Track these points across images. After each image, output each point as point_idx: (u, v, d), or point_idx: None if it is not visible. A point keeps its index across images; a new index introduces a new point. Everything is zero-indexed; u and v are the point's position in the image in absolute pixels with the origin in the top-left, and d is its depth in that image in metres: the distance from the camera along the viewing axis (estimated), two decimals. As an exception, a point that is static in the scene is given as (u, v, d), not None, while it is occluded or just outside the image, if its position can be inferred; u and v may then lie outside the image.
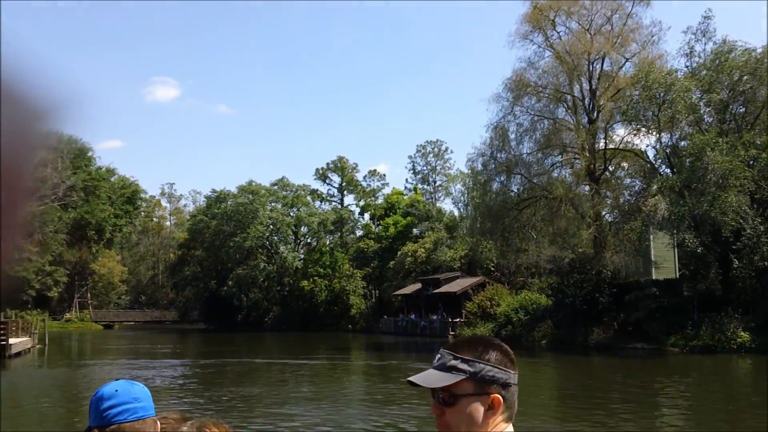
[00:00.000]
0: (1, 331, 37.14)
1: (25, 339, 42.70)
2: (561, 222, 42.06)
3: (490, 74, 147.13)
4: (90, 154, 76.65)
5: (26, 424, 17.79)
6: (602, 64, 42.69)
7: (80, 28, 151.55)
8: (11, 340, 38.43)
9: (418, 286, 58.64)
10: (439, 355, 1.82)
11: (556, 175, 43.72)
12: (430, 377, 1.79)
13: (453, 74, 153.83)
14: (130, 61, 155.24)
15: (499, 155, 44.61)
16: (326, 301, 68.33)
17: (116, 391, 2.09)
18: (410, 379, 1.82)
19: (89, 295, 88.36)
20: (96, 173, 76.30)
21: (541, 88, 43.49)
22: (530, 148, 43.86)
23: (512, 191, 44.81)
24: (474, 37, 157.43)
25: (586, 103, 43.05)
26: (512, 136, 44.49)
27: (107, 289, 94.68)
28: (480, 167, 46.37)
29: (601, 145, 42.49)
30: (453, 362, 1.78)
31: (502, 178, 44.75)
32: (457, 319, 51.34)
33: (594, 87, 42.73)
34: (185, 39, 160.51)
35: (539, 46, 44.33)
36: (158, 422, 2.22)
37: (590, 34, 42.55)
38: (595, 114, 42.46)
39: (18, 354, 39.11)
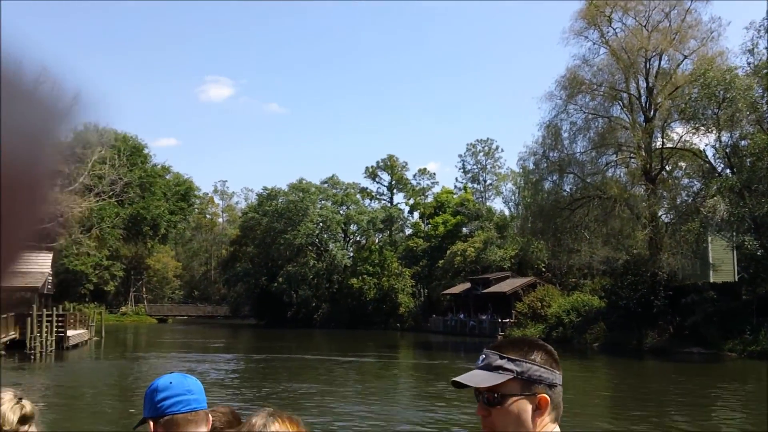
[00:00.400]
0: (60, 324, 38.29)
1: (82, 331, 43.96)
2: (615, 222, 41.26)
3: (542, 72, 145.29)
4: (146, 151, 78.22)
5: (83, 414, 18.24)
6: (660, 62, 41.74)
7: (136, 28, 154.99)
8: (69, 332, 39.61)
9: (468, 285, 58.30)
10: (483, 356, 1.82)
11: (610, 174, 42.89)
12: (476, 377, 1.78)
13: (503, 72, 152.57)
14: (185, 61, 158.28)
15: (551, 154, 44.06)
16: (375, 299, 68.48)
17: (170, 383, 2.14)
18: (456, 379, 1.81)
19: (144, 289, 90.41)
20: (151, 170, 77.81)
21: (595, 86, 42.77)
22: (584, 147, 43.17)
23: (565, 191, 44.17)
24: (525, 35, 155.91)
25: (643, 101, 42.12)
26: (565, 135, 43.91)
27: (161, 283, 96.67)
28: (531, 166, 45.91)
29: (658, 144, 41.48)
30: (499, 362, 1.77)
31: (555, 178, 44.19)
32: (507, 320, 50.90)
33: (651, 85, 41.76)
34: (238, 38, 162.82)
35: (594, 43, 43.63)
36: (210, 415, 2.23)
37: (647, 30, 41.61)
38: (651, 112, 41.51)
39: (75, 345, 40.25)
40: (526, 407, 1.74)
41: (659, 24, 41.79)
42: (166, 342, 49.04)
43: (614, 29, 43.38)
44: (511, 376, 1.75)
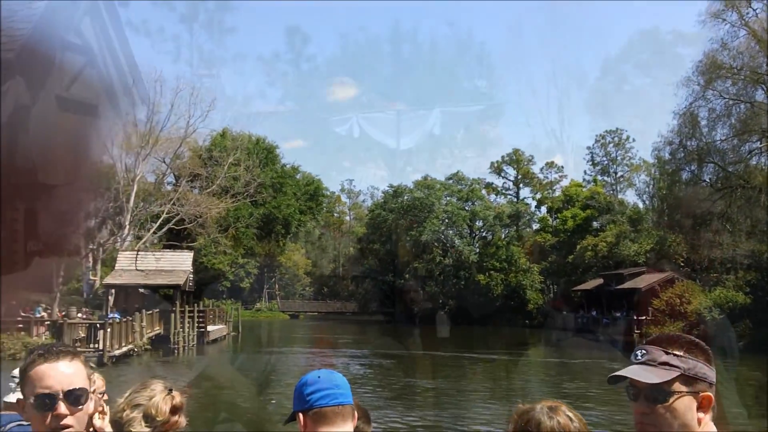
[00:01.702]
0: (201, 319, 40.39)
1: (221, 326, 46.16)
2: (761, 213, 38.91)
3: (674, 58, 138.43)
4: (276, 152, 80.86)
5: (224, 405, 19.12)
6: (805, 42, 38.87)
7: (265, 32, 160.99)
8: (209, 327, 41.71)
9: (600, 281, 56.53)
10: (643, 351, 1.75)
11: (754, 162, 40.73)
12: (643, 373, 1.71)
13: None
14: (312, 64, 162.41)
15: (688, 143, 42.30)
16: (502, 295, 67.78)
17: (319, 377, 2.19)
18: (619, 373, 1.74)
19: (277, 286, 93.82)
20: (282, 171, 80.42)
21: (735, 70, 40.42)
22: (724, 135, 41.16)
23: (704, 181, 42.27)
24: (655, 20, 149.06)
25: (788, 84, 39.40)
26: (703, 122, 42.11)
27: (293, 280, 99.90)
28: (667, 156, 44.40)
29: (806, 129, 38.73)
30: (665, 358, 1.71)
31: (693, 167, 42.44)
32: (643, 317, 48.85)
33: (797, 67, 39.00)
34: (361, 39, 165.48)
35: (732, 26, 41.19)
36: (356, 411, 2.27)
37: (790, 9, 38.86)
38: (799, 95, 38.78)
39: (215, 340, 42.33)
40: (692, 405, 1.69)
41: (803, 2, 38.91)
42: (299, 337, 50.63)
43: (754, 10, 40.84)
44: (679, 373, 1.69)
